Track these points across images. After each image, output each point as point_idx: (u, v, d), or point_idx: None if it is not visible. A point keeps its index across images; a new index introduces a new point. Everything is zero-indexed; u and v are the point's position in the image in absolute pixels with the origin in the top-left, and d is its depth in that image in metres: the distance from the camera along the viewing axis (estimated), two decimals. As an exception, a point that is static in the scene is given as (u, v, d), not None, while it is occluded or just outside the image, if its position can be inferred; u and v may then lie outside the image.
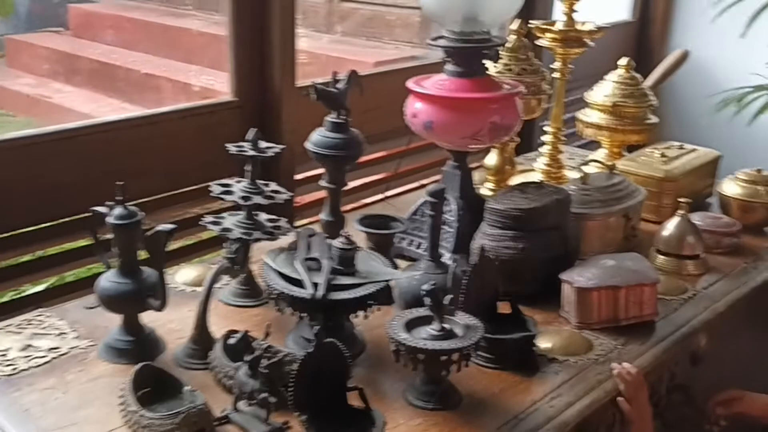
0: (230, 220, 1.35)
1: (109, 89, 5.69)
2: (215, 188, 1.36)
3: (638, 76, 1.97)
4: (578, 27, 1.82)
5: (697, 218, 1.71)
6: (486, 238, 1.47)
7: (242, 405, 1.11)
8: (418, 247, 1.58)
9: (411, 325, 1.19)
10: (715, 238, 1.71)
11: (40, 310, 1.41)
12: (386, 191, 2.00)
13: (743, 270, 1.67)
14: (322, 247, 1.29)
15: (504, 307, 1.35)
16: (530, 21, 1.85)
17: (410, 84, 1.54)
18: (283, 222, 1.37)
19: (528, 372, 1.28)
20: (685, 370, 1.47)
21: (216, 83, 5.02)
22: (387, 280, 1.26)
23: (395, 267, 1.44)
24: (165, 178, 1.80)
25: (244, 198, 1.32)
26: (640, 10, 3.23)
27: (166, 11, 6.36)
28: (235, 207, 1.34)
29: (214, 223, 1.34)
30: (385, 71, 2.37)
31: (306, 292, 1.19)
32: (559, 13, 1.86)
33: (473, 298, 1.28)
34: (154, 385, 1.15)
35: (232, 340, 1.19)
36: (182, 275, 1.52)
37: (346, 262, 1.25)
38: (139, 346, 1.26)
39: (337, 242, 1.26)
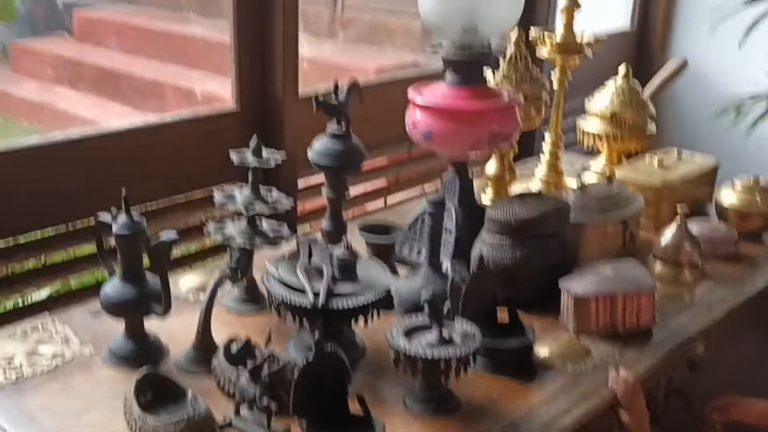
0: (233, 228, 1.37)
1: (113, 95, 5.71)
2: (218, 197, 1.38)
3: (637, 84, 1.99)
4: (577, 37, 1.84)
5: (694, 226, 1.72)
6: (485, 245, 1.48)
7: (244, 411, 1.13)
8: (419, 254, 1.59)
9: (410, 333, 1.21)
10: (713, 245, 1.73)
11: (45, 315, 1.43)
12: (387, 199, 2.02)
13: (740, 277, 1.68)
14: (323, 254, 1.31)
15: (503, 314, 1.37)
16: (530, 31, 1.87)
17: (410, 94, 1.56)
18: (285, 230, 1.39)
19: (526, 378, 1.29)
20: (682, 375, 1.48)
21: (219, 89, 5.04)
22: (387, 288, 1.28)
23: (395, 274, 1.46)
24: (168, 184, 1.82)
25: (247, 206, 1.34)
26: (640, 18, 3.24)
27: (170, 17, 6.39)
28: (238, 215, 1.36)
29: (217, 230, 1.36)
30: (385, 80, 2.39)
31: (307, 300, 1.21)
32: (558, 22, 1.87)
33: (472, 305, 1.29)
34: (157, 391, 1.17)
35: (234, 347, 1.21)
36: (185, 282, 1.54)
37: (346, 269, 1.27)
38: (142, 352, 1.28)
39: (338, 250, 1.28)
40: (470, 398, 1.24)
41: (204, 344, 1.28)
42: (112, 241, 1.26)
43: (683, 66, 2.24)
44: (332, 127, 1.48)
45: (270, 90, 1.93)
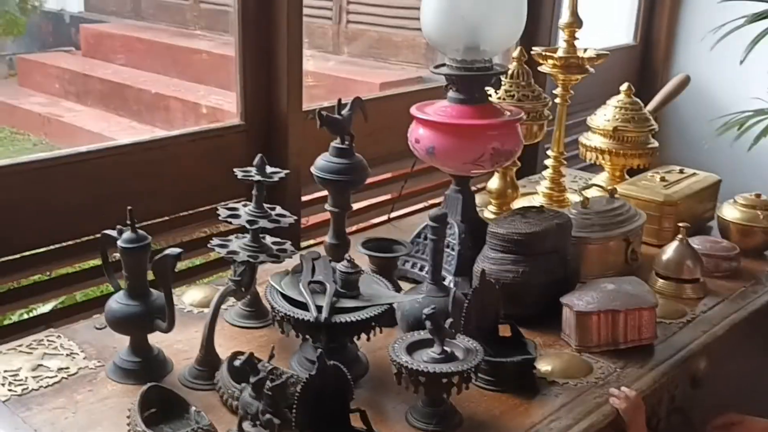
0: (237, 243, 1.38)
1: (120, 108, 5.76)
2: (222, 212, 1.39)
3: (639, 101, 2.00)
4: (579, 54, 1.86)
5: (696, 242, 1.73)
6: (487, 261, 1.49)
7: (247, 426, 1.14)
8: (421, 269, 1.61)
9: (413, 348, 1.22)
10: (715, 261, 1.73)
11: (51, 330, 1.44)
12: (391, 213, 2.03)
13: (742, 294, 1.68)
14: (327, 270, 1.32)
15: (505, 330, 1.37)
16: (532, 48, 1.89)
17: (413, 110, 1.57)
18: (288, 245, 1.40)
19: (528, 395, 1.30)
20: (684, 392, 1.48)
21: (225, 103, 5.08)
22: (389, 303, 1.29)
23: (398, 290, 1.47)
24: (173, 200, 1.83)
25: (250, 222, 1.35)
26: (643, 33, 3.26)
27: (177, 32, 6.44)
28: (242, 229, 1.38)
29: (221, 245, 1.37)
30: (389, 95, 2.41)
31: (310, 315, 1.22)
32: (560, 39, 1.89)
33: (474, 321, 1.30)
34: (161, 406, 1.18)
35: (237, 362, 1.21)
36: (189, 296, 1.55)
37: (349, 285, 1.28)
38: (146, 367, 1.29)
39: (341, 265, 1.29)
40: (472, 414, 1.24)
41: (207, 359, 1.29)
42: (118, 256, 1.27)
43: (685, 82, 2.25)
44: (336, 142, 1.50)
45: (274, 105, 1.94)
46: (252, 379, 1.13)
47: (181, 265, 1.40)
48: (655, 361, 1.42)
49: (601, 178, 2.03)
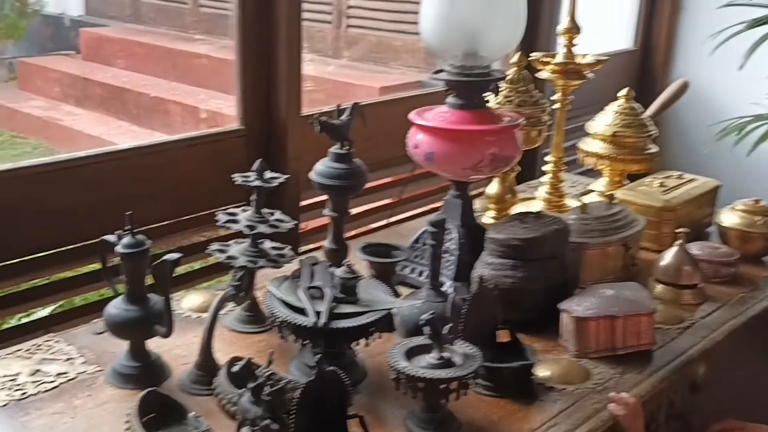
0: (235, 248, 1.38)
1: (119, 112, 5.77)
2: (221, 217, 1.39)
3: (638, 106, 2.00)
4: (578, 59, 1.86)
5: (695, 248, 1.73)
6: (486, 267, 1.49)
7: (246, 431, 1.14)
8: (420, 275, 1.61)
9: (411, 354, 1.22)
10: (714, 267, 1.73)
11: (50, 335, 1.44)
12: (390, 217, 2.04)
13: (741, 299, 1.68)
14: (325, 275, 1.32)
15: (503, 336, 1.37)
16: (531, 54, 1.89)
17: (412, 116, 1.57)
18: (287, 250, 1.41)
19: (526, 400, 1.30)
20: (683, 398, 1.48)
21: (224, 107, 5.09)
22: (388, 309, 1.29)
23: (397, 295, 1.47)
24: (173, 204, 1.83)
25: (249, 227, 1.35)
26: (643, 37, 3.27)
27: (176, 36, 6.45)
28: (241, 234, 1.38)
29: (220, 251, 1.37)
30: (388, 99, 2.41)
31: (308, 320, 1.22)
32: (560, 45, 1.89)
33: (472, 326, 1.30)
34: (159, 411, 1.18)
35: (236, 367, 1.21)
36: (188, 301, 1.55)
37: (348, 290, 1.28)
38: (145, 372, 1.29)
39: (340, 271, 1.29)
40: (471, 420, 1.24)
41: (206, 364, 1.29)
42: (117, 261, 1.27)
43: (684, 88, 2.25)
44: (335, 148, 1.50)
45: (274, 109, 1.94)
46: (250, 385, 1.13)
47: (180, 270, 1.40)
48: (654, 367, 1.42)
49: (600, 184, 2.03)
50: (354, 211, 1.61)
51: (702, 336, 1.53)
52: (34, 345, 1.39)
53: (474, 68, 1.52)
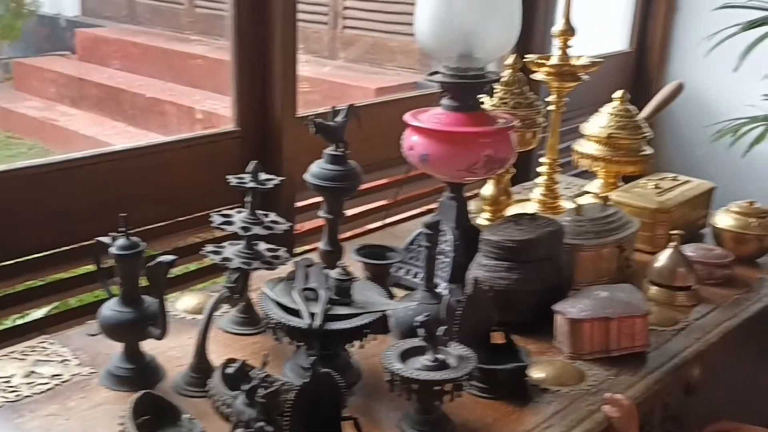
0: (230, 250, 1.38)
1: (115, 113, 5.76)
2: (216, 218, 1.39)
3: (632, 108, 2.00)
4: (573, 61, 1.86)
5: (690, 249, 1.73)
6: (481, 268, 1.50)
7: (239, 433, 1.14)
8: (415, 276, 1.61)
9: (406, 355, 1.22)
10: (708, 269, 1.74)
11: (44, 336, 1.44)
12: (385, 218, 2.04)
13: (736, 301, 1.69)
14: (320, 277, 1.32)
15: (498, 337, 1.37)
16: (525, 55, 1.89)
17: (407, 118, 1.57)
18: (282, 252, 1.41)
19: (521, 402, 1.30)
20: (678, 400, 1.49)
21: (220, 108, 5.09)
22: (383, 311, 1.29)
23: (391, 297, 1.47)
24: (168, 205, 1.83)
25: (244, 228, 1.35)
26: (638, 39, 3.27)
27: (172, 36, 6.45)
28: (236, 235, 1.38)
29: (215, 252, 1.37)
30: (384, 101, 2.41)
31: (303, 322, 1.22)
32: (554, 47, 1.90)
33: (467, 328, 1.30)
34: (153, 413, 1.17)
35: (230, 369, 1.22)
36: (183, 303, 1.55)
37: (342, 292, 1.28)
38: (139, 374, 1.29)
39: (334, 272, 1.29)
40: (465, 421, 1.24)
41: (201, 366, 1.29)
42: (111, 263, 1.27)
43: (679, 89, 2.26)
44: (329, 149, 1.50)
45: (269, 111, 1.95)
46: (245, 387, 1.13)
47: (175, 271, 1.40)
48: (648, 369, 1.42)
49: (595, 185, 2.04)
50: (349, 212, 1.61)
51: (696, 338, 1.53)
52: (29, 347, 1.39)
53: (469, 70, 1.52)
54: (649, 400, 1.38)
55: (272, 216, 1.42)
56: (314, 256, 1.51)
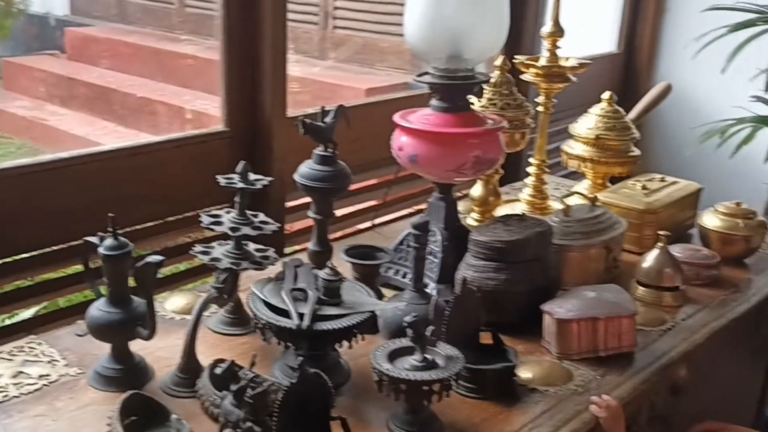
0: (219, 250, 1.38)
1: (105, 112, 5.74)
2: (205, 219, 1.39)
3: (620, 109, 2.01)
4: (561, 62, 1.87)
5: (677, 250, 1.74)
6: (469, 269, 1.50)
7: (228, 433, 1.14)
8: (404, 276, 1.61)
9: (394, 356, 1.22)
10: (695, 270, 1.75)
11: (32, 337, 1.43)
12: (375, 219, 2.04)
13: (722, 301, 1.70)
14: (309, 277, 1.33)
15: (486, 338, 1.38)
16: (515, 56, 1.90)
17: (396, 118, 1.58)
18: (271, 252, 1.41)
19: (508, 402, 1.30)
20: (665, 400, 1.50)
21: (210, 108, 5.07)
22: (371, 311, 1.30)
23: (380, 297, 1.48)
24: (158, 205, 1.83)
25: (233, 229, 1.35)
26: (626, 41, 3.29)
27: (162, 36, 6.43)
28: (226, 236, 1.38)
29: (204, 252, 1.37)
30: (373, 102, 2.41)
31: (291, 322, 1.22)
32: (543, 48, 1.90)
33: (455, 328, 1.31)
34: (141, 413, 1.18)
35: (218, 369, 1.22)
36: (171, 303, 1.55)
37: (331, 292, 1.29)
38: (127, 374, 1.29)
39: (323, 273, 1.29)
40: (453, 421, 1.25)
41: (189, 366, 1.29)
42: (99, 263, 1.27)
43: (667, 91, 2.27)
44: (319, 149, 1.50)
45: (259, 111, 1.94)
46: (233, 387, 1.13)
47: (165, 271, 1.40)
48: (635, 369, 1.43)
49: (583, 186, 2.05)
50: (339, 213, 1.61)
51: (683, 338, 1.54)
52: (16, 347, 1.39)
53: (458, 71, 1.53)
54: (636, 400, 1.39)
55: (261, 216, 1.42)
56: (304, 257, 1.51)
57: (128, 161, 1.77)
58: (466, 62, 1.53)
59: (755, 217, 1.86)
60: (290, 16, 1.93)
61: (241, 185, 1.39)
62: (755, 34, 2.50)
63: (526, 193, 1.99)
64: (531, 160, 1.99)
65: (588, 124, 1.99)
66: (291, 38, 1.97)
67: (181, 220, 1.88)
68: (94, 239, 1.26)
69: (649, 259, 1.67)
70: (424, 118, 1.56)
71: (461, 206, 1.74)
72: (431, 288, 1.53)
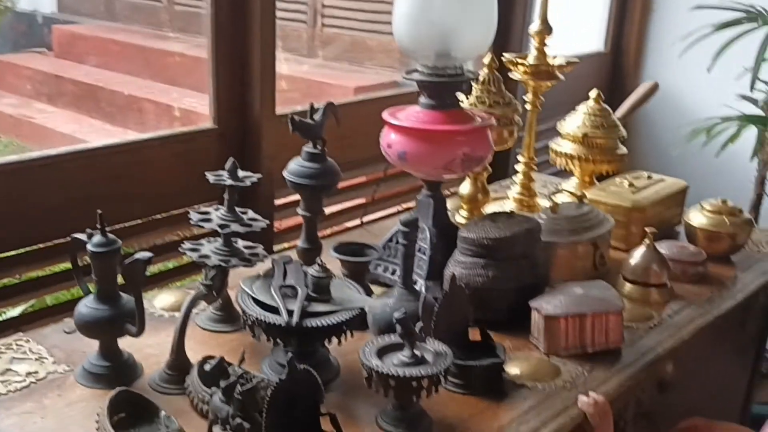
0: (208, 247, 1.38)
1: (92, 110, 5.71)
2: (194, 216, 1.39)
3: (608, 107, 2.02)
4: (549, 61, 1.88)
5: (664, 247, 1.75)
6: (458, 266, 1.51)
7: (217, 430, 1.14)
8: (393, 273, 1.62)
9: (383, 352, 1.23)
10: (682, 266, 1.76)
11: (20, 334, 1.43)
12: (364, 216, 2.04)
13: (709, 298, 1.71)
14: (298, 274, 1.33)
15: (474, 334, 1.39)
16: (503, 54, 1.91)
17: (385, 115, 1.58)
18: (260, 249, 1.41)
19: (497, 398, 1.31)
20: (651, 397, 1.51)
21: (198, 106, 5.06)
22: (360, 307, 1.30)
23: (369, 294, 1.48)
24: (146, 203, 1.83)
25: (222, 226, 1.35)
26: (614, 40, 3.30)
27: (151, 34, 6.40)
28: (215, 233, 1.38)
29: (193, 249, 1.37)
30: (362, 99, 2.41)
31: (281, 319, 1.22)
32: (531, 46, 1.91)
33: (444, 325, 1.31)
34: (130, 410, 1.17)
35: (207, 366, 1.22)
36: (160, 300, 1.55)
37: (320, 289, 1.29)
38: (116, 371, 1.29)
39: (312, 270, 1.30)
40: (442, 417, 1.25)
41: (178, 363, 1.29)
42: (87, 260, 1.27)
43: (654, 89, 2.28)
44: (308, 147, 1.50)
45: (248, 108, 1.94)
46: (222, 384, 1.13)
47: (154, 268, 1.40)
48: (622, 365, 1.44)
49: (571, 184, 2.06)
50: (328, 210, 1.61)
51: (670, 335, 1.55)
52: (4, 344, 1.38)
53: (446, 69, 1.53)
54: (623, 397, 1.40)
55: (250, 213, 1.42)
56: (293, 254, 1.52)
57: (116, 159, 1.77)
58: (454, 60, 1.53)
59: (741, 214, 1.88)
60: (279, 14, 1.93)
61: (229, 182, 1.39)
62: (740, 33, 2.52)
63: (514, 191, 2.00)
64: (519, 157, 2.00)
65: (576, 122, 2.00)
66: (280, 36, 1.97)
67: (169, 217, 1.87)
68: (82, 236, 1.26)
69: (636, 256, 1.68)
70: (413, 115, 1.57)
71: (450, 204, 1.75)
72: (420, 285, 1.54)
